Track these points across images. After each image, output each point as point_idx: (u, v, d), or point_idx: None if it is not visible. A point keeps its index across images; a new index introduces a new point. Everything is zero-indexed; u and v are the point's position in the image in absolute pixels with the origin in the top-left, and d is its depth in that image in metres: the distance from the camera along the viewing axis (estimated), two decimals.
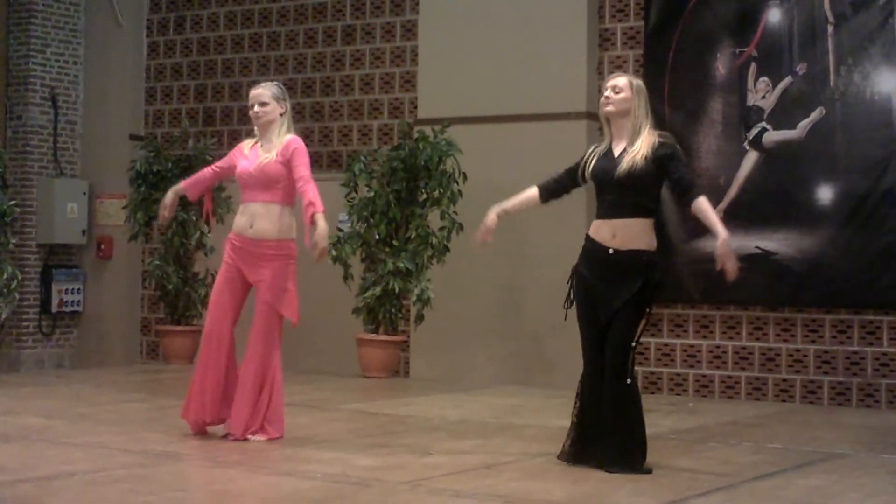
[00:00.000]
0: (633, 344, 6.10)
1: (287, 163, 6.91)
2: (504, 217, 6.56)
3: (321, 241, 6.69)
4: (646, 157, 6.09)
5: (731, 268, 5.99)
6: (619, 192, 6.13)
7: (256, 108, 7.03)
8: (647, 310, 6.15)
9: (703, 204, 6.09)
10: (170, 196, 7.30)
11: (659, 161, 6.10)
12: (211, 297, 7.16)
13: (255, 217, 6.93)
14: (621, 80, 6.23)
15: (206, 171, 7.43)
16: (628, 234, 6.12)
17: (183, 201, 11.63)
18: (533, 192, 6.56)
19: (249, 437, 6.85)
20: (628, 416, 6.08)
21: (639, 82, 6.28)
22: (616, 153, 6.20)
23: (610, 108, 6.23)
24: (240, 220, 7.02)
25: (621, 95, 6.19)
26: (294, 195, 6.98)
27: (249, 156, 7.04)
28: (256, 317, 6.97)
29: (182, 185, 7.41)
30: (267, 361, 6.93)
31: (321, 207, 6.76)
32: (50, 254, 12.97)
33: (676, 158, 6.17)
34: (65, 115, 13.09)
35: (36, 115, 12.87)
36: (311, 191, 6.81)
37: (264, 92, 7.06)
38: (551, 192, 6.55)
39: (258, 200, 6.94)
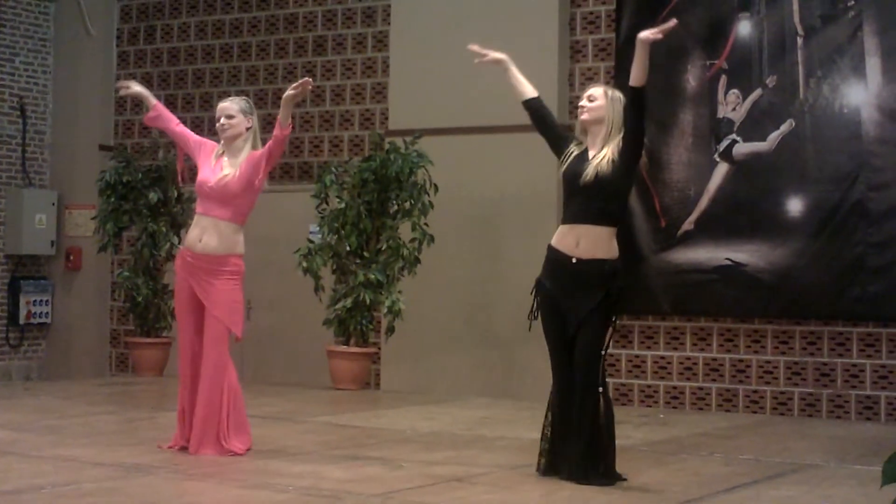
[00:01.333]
0: (602, 352, 6.14)
1: (245, 176, 6.84)
2: (502, 70, 6.62)
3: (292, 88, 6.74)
4: (612, 161, 6.14)
5: (662, 27, 6.18)
6: (586, 197, 6.17)
7: (223, 120, 6.94)
8: (613, 318, 6.19)
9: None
10: (139, 88, 7.19)
11: (621, 152, 6.13)
12: (177, 326, 7.07)
13: (205, 231, 6.87)
14: (596, 90, 6.32)
15: (177, 123, 7.20)
16: (592, 241, 6.15)
17: (153, 210, 11.62)
18: (531, 92, 6.58)
19: (201, 452, 6.75)
20: (600, 425, 6.09)
21: (616, 92, 6.32)
22: (589, 157, 6.24)
23: (585, 116, 6.31)
24: (191, 233, 6.97)
25: (596, 103, 6.26)
26: (247, 213, 6.95)
27: (214, 167, 6.94)
28: (207, 332, 6.86)
29: (154, 102, 7.17)
30: (221, 376, 6.82)
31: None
32: (18, 265, 12.87)
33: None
34: (33, 125, 13.00)
35: (4, 124, 12.78)
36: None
37: (231, 105, 6.99)
38: (538, 113, 6.57)
39: (211, 215, 6.87)
